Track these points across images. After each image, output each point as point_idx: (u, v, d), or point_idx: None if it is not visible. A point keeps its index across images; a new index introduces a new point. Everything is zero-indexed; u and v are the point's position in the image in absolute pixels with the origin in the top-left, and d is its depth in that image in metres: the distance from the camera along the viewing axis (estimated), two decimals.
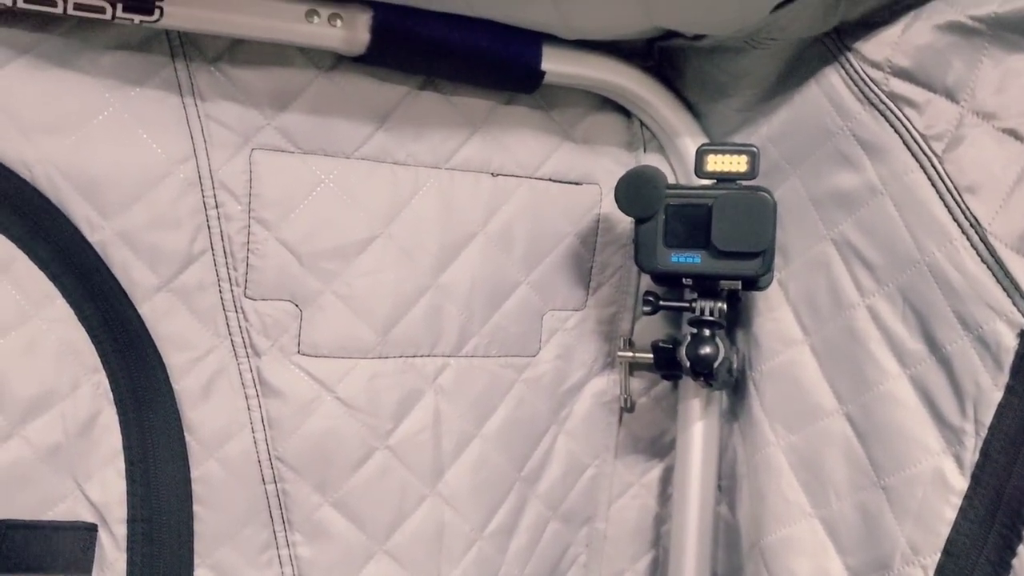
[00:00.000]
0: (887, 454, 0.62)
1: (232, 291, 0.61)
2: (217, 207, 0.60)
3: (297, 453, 0.64)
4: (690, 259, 0.64)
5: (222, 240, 0.61)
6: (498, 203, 0.69)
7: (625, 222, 0.74)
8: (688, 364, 0.65)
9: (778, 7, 0.58)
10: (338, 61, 0.63)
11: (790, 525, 0.68)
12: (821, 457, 0.67)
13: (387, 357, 0.66)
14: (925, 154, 0.59)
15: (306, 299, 0.63)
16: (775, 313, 0.70)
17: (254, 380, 0.63)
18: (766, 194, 0.62)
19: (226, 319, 0.62)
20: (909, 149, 0.60)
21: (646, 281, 0.76)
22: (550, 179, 0.72)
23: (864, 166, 0.63)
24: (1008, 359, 0.55)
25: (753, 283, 0.66)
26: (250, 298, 0.62)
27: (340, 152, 0.64)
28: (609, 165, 0.73)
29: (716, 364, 0.64)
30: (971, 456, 0.58)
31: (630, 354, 0.77)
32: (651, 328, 0.77)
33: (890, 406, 0.62)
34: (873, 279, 0.63)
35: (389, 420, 0.67)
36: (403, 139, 0.65)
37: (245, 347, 0.62)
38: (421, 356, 0.68)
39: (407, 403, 0.68)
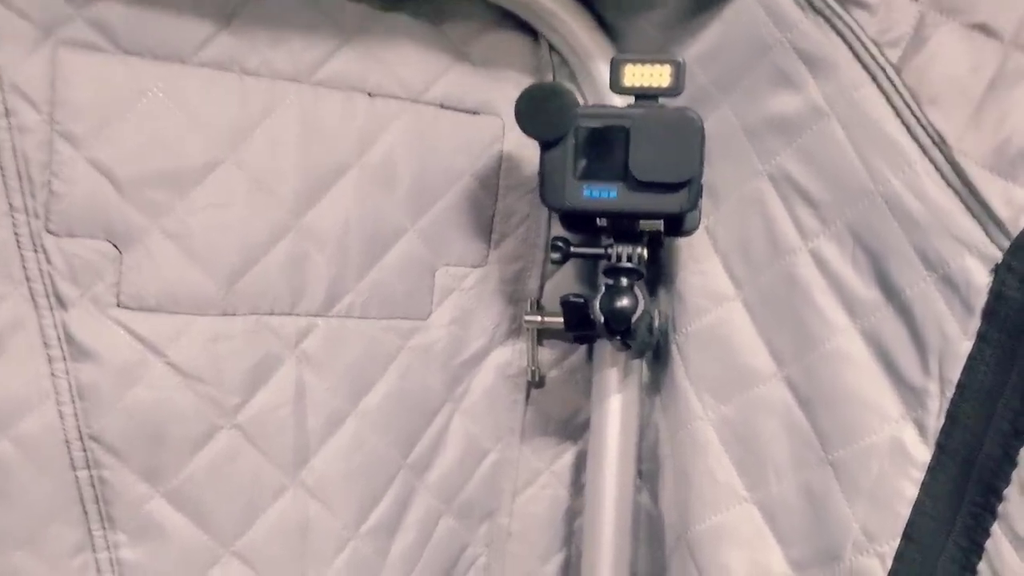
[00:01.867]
0: (835, 423, 0.54)
1: (30, 224, 0.49)
2: (8, 116, 0.48)
3: (117, 431, 0.52)
4: (605, 193, 0.54)
5: (15, 158, 0.48)
6: (376, 130, 0.58)
7: (533, 163, 0.63)
8: (602, 320, 0.55)
9: None
10: None
11: (722, 511, 0.59)
12: (757, 430, 0.58)
13: (234, 314, 0.55)
14: (879, 65, 0.51)
15: (127, 238, 0.51)
16: (701, 265, 0.61)
17: (59, 338, 0.50)
18: (692, 114, 0.52)
19: (22, 260, 0.49)
20: (860, 60, 0.51)
21: (559, 231, 0.66)
22: (440, 105, 0.61)
23: (806, 84, 0.54)
24: (980, 301, 0.47)
25: (678, 224, 0.57)
26: (53, 234, 0.50)
27: (174, 55, 0.52)
28: (512, 93, 0.62)
29: (634, 318, 0.55)
30: (935, 421, 0.49)
31: (538, 318, 0.66)
32: (562, 288, 0.67)
33: (838, 366, 0.54)
34: (817, 218, 0.55)
35: (237, 393, 0.55)
36: (255, 43, 0.54)
37: (48, 296, 0.50)
38: (279, 315, 0.56)
39: (261, 372, 0.56)
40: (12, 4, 0.48)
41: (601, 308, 0.55)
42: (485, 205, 0.64)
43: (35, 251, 0.50)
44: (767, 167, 0.57)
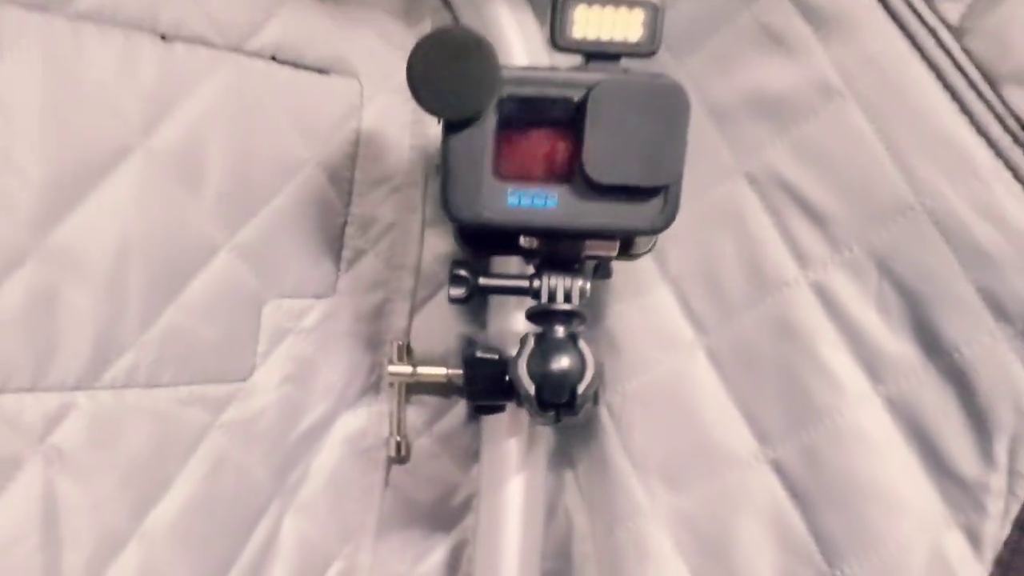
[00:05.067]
0: (846, 527, 0.42)
1: None
2: None
3: None
4: (540, 202, 0.38)
5: None
6: (175, 93, 0.40)
7: (404, 148, 0.48)
8: (532, 389, 0.40)
9: None
10: None
11: None
12: (730, 533, 0.45)
13: None
14: (927, 25, 0.38)
15: None
16: (647, 298, 0.47)
17: None
18: (676, 85, 0.38)
19: None
20: (895, 19, 0.39)
21: (438, 246, 0.50)
22: (272, 57, 0.43)
23: (808, 48, 0.41)
24: None
25: (626, 244, 0.43)
26: None
27: None
28: (374, 45, 0.46)
29: (582, 387, 0.40)
30: (996, 529, 0.38)
31: (408, 369, 0.50)
32: (437, 325, 0.52)
33: (852, 448, 0.41)
34: (825, 238, 0.42)
35: None
36: None
37: None
38: (14, 392, 0.37)
39: None
40: None
41: (530, 371, 0.40)
42: (334, 209, 0.47)
43: None
44: (747, 164, 0.44)
